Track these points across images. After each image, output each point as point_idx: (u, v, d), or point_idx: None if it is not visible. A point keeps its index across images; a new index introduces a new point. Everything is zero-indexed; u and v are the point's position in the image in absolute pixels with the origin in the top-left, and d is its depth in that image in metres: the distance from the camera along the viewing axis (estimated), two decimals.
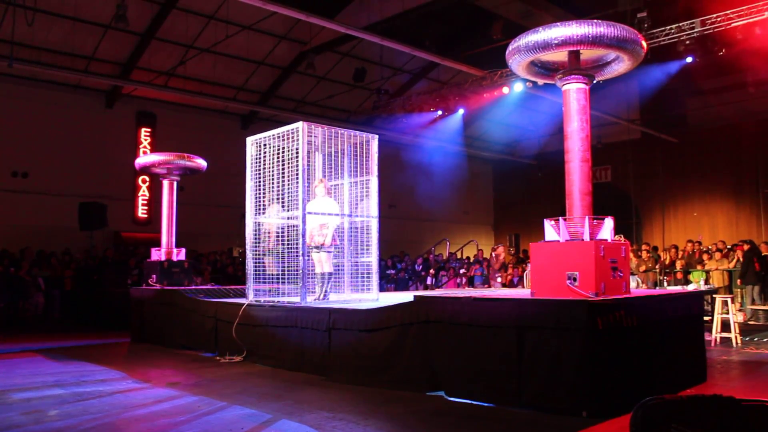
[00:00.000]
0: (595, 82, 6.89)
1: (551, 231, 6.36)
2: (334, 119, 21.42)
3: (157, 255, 11.94)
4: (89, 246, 16.59)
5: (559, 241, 6.26)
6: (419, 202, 24.51)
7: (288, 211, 8.57)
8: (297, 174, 8.26)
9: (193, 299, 9.97)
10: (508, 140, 27.74)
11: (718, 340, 10.10)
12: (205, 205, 19.66)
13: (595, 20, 6.26)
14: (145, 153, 18.61)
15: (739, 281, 14.10)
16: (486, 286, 16.05)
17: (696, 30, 14.20)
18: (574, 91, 6.66)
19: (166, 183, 12.09)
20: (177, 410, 5.77)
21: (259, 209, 9.02)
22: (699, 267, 15.29)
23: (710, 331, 10.04)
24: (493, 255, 15.76)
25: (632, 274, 12.51)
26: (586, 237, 6.16)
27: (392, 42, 16.49)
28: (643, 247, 16.19)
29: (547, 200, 24.10)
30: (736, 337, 9.99)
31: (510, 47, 6.68)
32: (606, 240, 6.22)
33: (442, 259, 19.16)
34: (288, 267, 8.48)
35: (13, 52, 14.95)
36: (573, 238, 6.24)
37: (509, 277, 16.45)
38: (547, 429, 5.08)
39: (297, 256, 8.21)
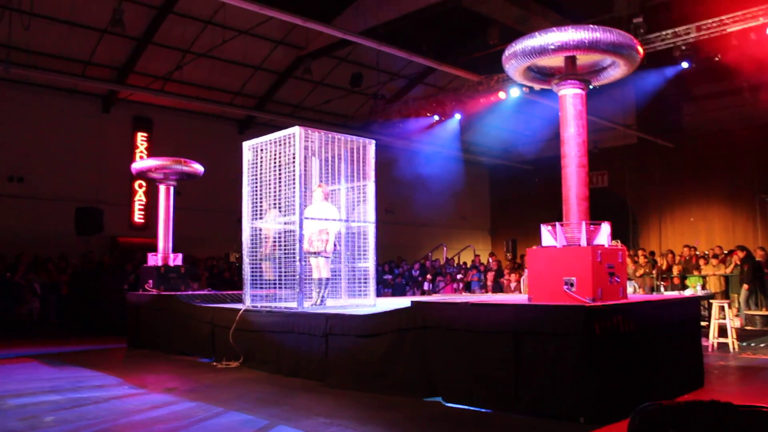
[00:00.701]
0: (591, 87, 6.90)
1: (548, 236, 6.36)
2: (331, 124, 21.42)
3: (154, 260, 11.92)
4: (85, 251, 16.54)
5: (556, 246, 6.27)
6: (416, 208, 24.50)
7: (285, 216, 8.57)
8: (294, 179, 8.26)
9: (190, 304, 9.95)
10: (505, 145, 27.75)
11: (715, 345, 10.11)
12: (202, 210, 19.62)
13: (591, 25, 6.27)
14: (141, 158, 18.58)
15: (746, 286, 14.06)
16: (483, 291, 16.03)
17: (691, 35, 14.24)
18: (570, 96, 6.68)
19: (162, 188, 12.08)
20: (174, 416, 5.75)
21: (256, 214, 9.02)
22: (695, 272, 15.29)
23: (707, 336, 10.04)
24: None
25: (629, 279, 12.52)
26: (583, 242, 6.17)
27: (389, 47, 16.50)
28: (640, 252, 16.18)
29: (544, 205, 24.03)
30: (733, 342, 10.00)
31: (506, 52, 6.69)
32: (603, 245, 6.23)
33: (439, 265, 19.15)
34: (285, 272, 8.48)
35: (9, 56, 14.95)
36: (570, 244, 6.24)
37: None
38: None
39: (294, 261, 8.20)
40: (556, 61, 6.70)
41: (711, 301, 11.30)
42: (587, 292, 5.87)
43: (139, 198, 19.65)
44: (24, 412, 5.86)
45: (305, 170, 8.59)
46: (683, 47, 14.64)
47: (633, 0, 15.88)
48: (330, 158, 9.30)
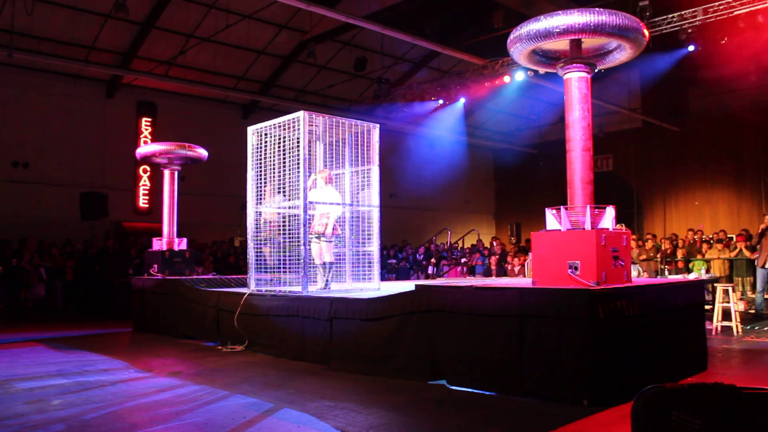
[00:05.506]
0: (596, 70, 6.87)
1: (552, 220, 6.35)
2: (335, 108, 21.36)
3: (159, 245, 11.96)
4: (90, 236, 16.61)
5: (560, 230, 6.26)
6: (420, 192, 24.50)
7: (289, 200, 8.57)
8: (298, 163, 8.26)
9: (195, 289, 9.99)
10: (510, 129, 27.68)
11: (719, 328, 10.12)
12: (206, 195, 19.66)
13: (597, 8, 6.23)
14: (145, 143, 18.58)
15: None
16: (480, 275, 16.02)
17: (698, 18, 14.14)
18: (575, 79, 6.64)
19: (167, 173, 12.08)
20: (179, 399, 5.79)
21: (261, 199, 9.03)
22: (699, 256, 15.28)
23: (711, 320, 10.06)
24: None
25: (633, 263, 12.51)
26: (588, 226, 6.16)
27: (393, 31, 16.42)
28: (646, 236, 16.15)
29: (549, 189, 24.04)
30: (736, 325, 10.01)
31: (511, 36, 6.65)
32: (607, 229, 6.22)
33: (443, 248, 19.16)
34: (289, 256, 8.49)
35: (12, 42, 14.93)
36: (574, 227, 6.24)
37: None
38: (548, 417, 5.09)
39: (298, 245, 8.21)
40: (562, 44, 6.66)
41: (715, 284, 11.31)
42: (591, 276, 5.87)
43: (144, 183, 19.68)
44: (31, 396, 5.90)
45: (310, 155, 8.58)
46: (689, 30, 14.56)
47: None
48: (334, 142, 9.30)
